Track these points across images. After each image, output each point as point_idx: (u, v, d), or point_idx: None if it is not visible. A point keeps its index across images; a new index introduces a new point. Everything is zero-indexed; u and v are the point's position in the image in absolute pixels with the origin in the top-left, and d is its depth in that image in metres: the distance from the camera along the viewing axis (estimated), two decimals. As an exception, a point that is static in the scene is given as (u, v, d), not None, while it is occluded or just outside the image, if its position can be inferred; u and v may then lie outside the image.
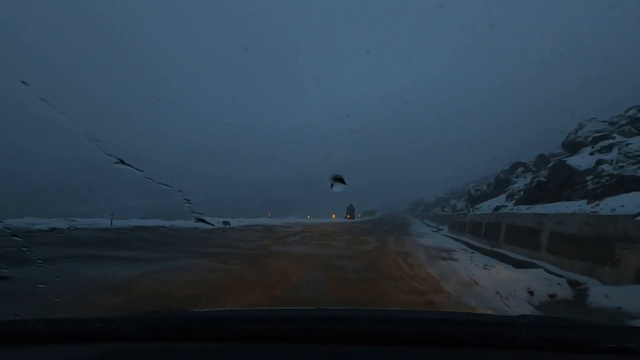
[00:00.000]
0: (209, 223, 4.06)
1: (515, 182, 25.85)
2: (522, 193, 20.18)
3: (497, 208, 15.73)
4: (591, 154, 15.20)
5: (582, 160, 14.88)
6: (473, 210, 22.98)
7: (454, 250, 11.04)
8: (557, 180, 15.57)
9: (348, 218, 37.83)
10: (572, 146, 17.17)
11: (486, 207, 22.30)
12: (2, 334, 1.08)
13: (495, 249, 11.76)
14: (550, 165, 16.89)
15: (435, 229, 27.85)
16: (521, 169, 26.91)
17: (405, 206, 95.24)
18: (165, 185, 1.90)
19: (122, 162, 1.50)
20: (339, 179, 2.13)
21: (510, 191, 22.55)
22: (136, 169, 1.60)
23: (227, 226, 14.70)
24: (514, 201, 19.79)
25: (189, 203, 2.10)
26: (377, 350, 1.00)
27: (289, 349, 1.02)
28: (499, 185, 26.70)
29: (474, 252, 11.09)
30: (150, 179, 1.74)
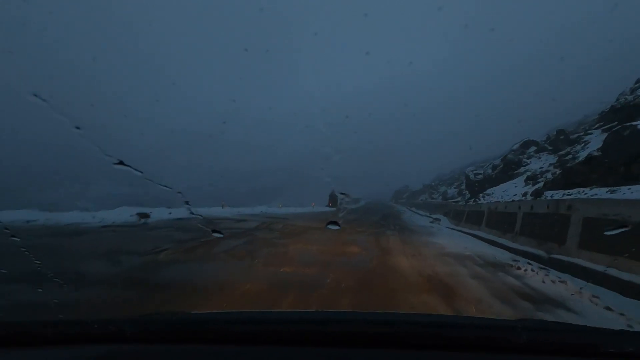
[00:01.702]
0: (218, 231, 2.80)
1: (528, 163, 21.28)
2: (549, 175, 15.47)
3: (537, 193, 10.76)
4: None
5: (665, 124, 10.05)
6: (484, 197, 18.20)
7: (512, 266, 6.10)
8: (622, 154, 10.74)
9: (330, 206, 32.74)
10: (631, 109, 12.31)
11: (500, 192, 17.54)
12: (1, 336, 1.06)
13: (559, 257, 6.91)
14: (605, 134, 12.06)
15: (431, 219, 23.28)
16: (533, 148, 22.31)
17: (390, 194, 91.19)
18: (165, 186, 1.82)
19: (122, 163, 1.45)
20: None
21: (528, 173, 17.79)
22: (136, 169, 1.53)
23: (143, 220, 9.20)
24: (539, 185, 15.06)
25: (189, 204, 1.99)
26: (376, 353, 0.99)
27: (288, 351, 1.00)
28: (508, 167, 22.03)
29: (546, 269, 6.12)
30: (150, 180, 1.70)
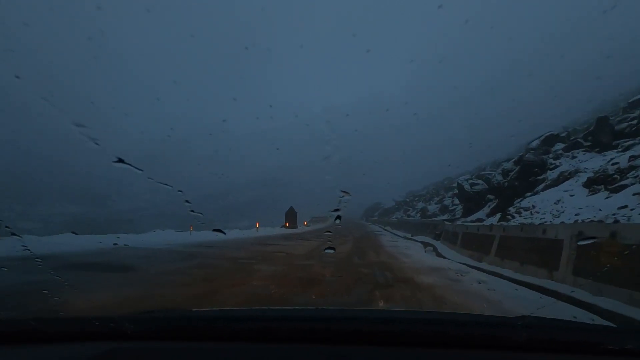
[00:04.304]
0: (222, 232, 3.00)
1: (557, 165, 14.51)
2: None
3: None
4: None
5: None
6: (518, 213, 10.86)
7: None
8: None
9: (287, 227, 24.46)
10: None
11: (549, 205, 10.28)
12: (2, 333, 1.02)
13: None
14: None
15: (421, 244, 15.99)
16: (560, 145, 15.67)
17: (361, 211, 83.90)
18: (166, 184, 1.73)
19: (122, 161, 1.34)
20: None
21: (589, 174, 10.76)
22: (136, 168, 1.42)
23: None
24: (636, 188, 7.98)
25: (189, 203, 1.94)
26: (375, 351, 0.94)
27: (288, 348, 0.96)
28: (527, 171, 15.11)
29: None
30: (151, 179, 1.61)
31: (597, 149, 13.83)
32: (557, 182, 12.60)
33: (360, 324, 1.07)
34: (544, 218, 9.38)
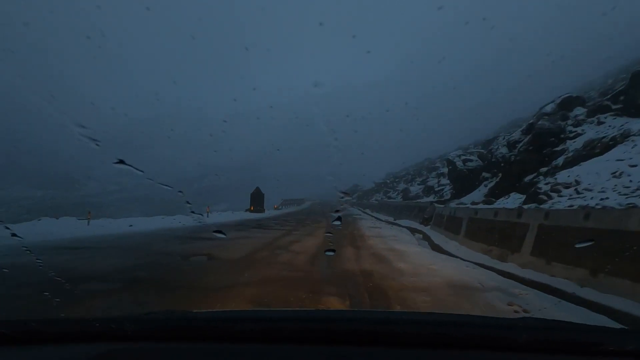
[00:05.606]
0: (222, 233, 2.62)
1: (580, 133, 11.44)
2: None
3: None
4: None
5: None
6: (554, 195, 7.58)
7: None
8: None
9: (252, 211, 20.67)
10: None
11: (604, 179, 7.01)
12: (2, 334, 0.98)
13: None
14: None
15: (407, 230, 13.05)
16: (580, 109, 12.56)
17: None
18: (166, 185, 1.70)
19: (123, 162, 1.31)
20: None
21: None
22: (137, 169, 1.39)
23: None
24: None
25: (189, 204, 1.91)
26: (376, 352, 0.92)
27: (288, 349, 0.94)
28: (542, 141, 11.99)
29: None
30: (151, 180, 1.60)
31: (631, 112, 10.78)
32: (588, 152, 9.46)
33: (360, 324, 1.05)
34: (606, 197, 6.11)
